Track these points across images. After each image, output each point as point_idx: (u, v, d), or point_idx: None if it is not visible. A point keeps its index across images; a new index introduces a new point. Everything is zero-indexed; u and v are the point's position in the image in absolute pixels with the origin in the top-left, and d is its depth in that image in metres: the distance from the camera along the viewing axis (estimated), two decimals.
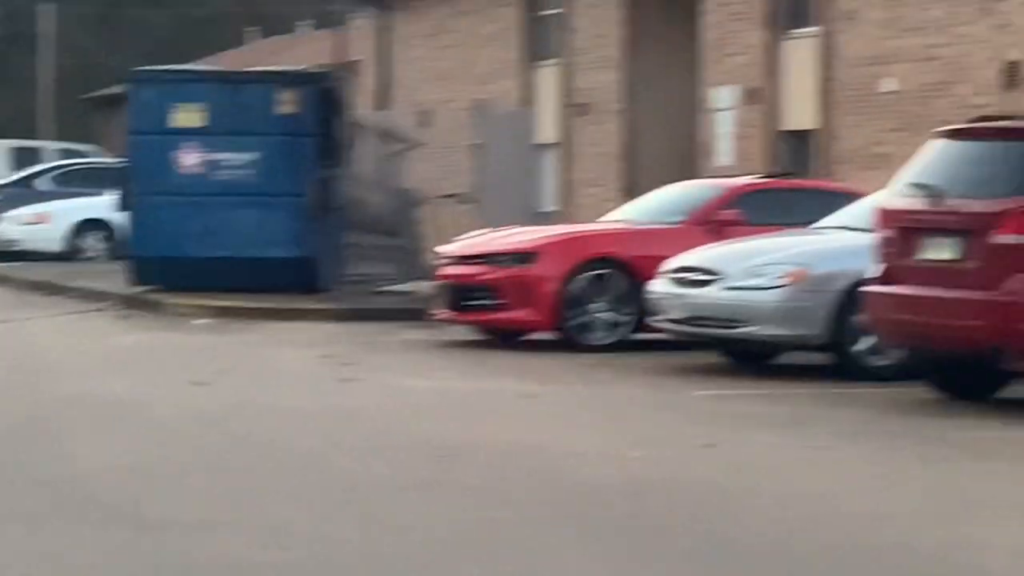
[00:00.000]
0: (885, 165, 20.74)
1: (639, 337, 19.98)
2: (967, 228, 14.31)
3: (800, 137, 31.24)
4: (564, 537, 9.62)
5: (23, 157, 49.75)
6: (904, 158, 18.27)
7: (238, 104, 25.78)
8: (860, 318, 15.93)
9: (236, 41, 74.64)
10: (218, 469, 11.68)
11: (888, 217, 15.31)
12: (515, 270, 20.49)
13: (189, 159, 25.28)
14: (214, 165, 25.26)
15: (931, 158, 15.10)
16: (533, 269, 20.30)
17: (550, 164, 37.40)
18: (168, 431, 13.41)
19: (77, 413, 14.66)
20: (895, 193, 15.49)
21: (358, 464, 12.45)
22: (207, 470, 11.46)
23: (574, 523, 10.19)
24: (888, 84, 29.07)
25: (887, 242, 15.08)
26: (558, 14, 37.93)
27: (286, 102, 25.74)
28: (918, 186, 14.82)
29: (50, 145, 55.72)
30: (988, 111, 18.97)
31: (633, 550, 9.26)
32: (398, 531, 9.74)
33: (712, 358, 18.87)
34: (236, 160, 25.49)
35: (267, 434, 13.30)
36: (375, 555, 8.87)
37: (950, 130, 15.76)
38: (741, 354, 18.38)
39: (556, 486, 11.33)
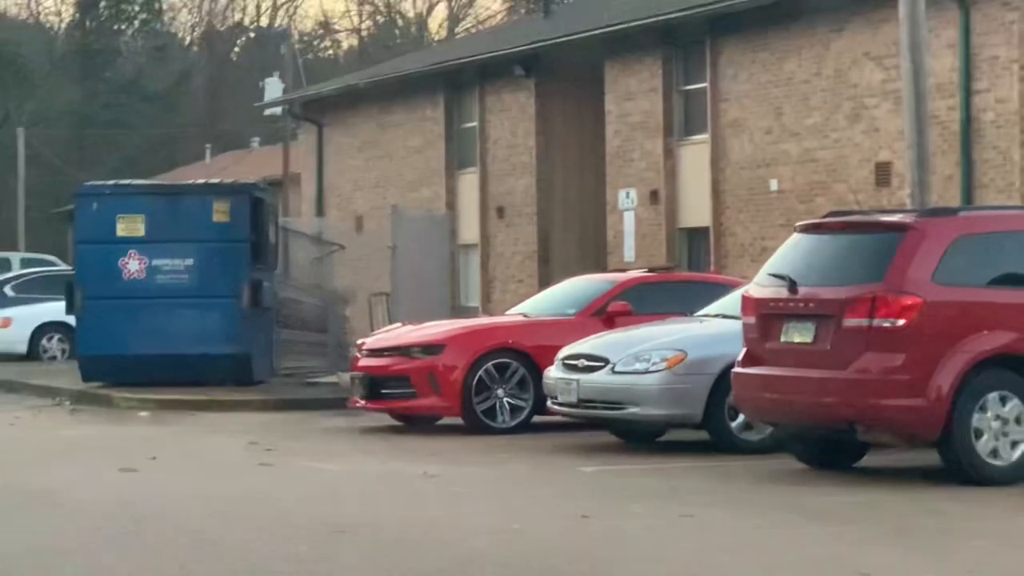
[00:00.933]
0: None
1: (540, 420, 20.49)
2: (820, 313, 14.72)
3: (697, 233, 31.90)
4: None
5: None
6: None
7: (176, 214, 26.44)
8: (731, 398, 16.28)
9: (196, 157, 76.00)
10: (124, 548, 12.03)
11: (751, 305, 15.69)
12: (424, 361, 20.80)
13: (131, 265, 25.75)
14: (155, 270, 25.72)
15: (789, 250, 15.58)
16: (440, 359, 20.63)
17: (472, 263, 39.33)
18: (87, 515, 13.54)
19: (3, 501, 14.63)
20: (757, 283, 15.81)
21: (251, 543, 12.53)
22: (115, 550, 11.78)
23: None
24: (773, 184, 30.19)
25: (750, 328, 15.44)
26: (475, 127, 39.54)
27: (220, 211, 26.06)
28: (776, 276, 15.22)
29: (15, 256, 57.32)
30: (867, 206, 21.08)
31: None
32: None
33: (605, 437, 19.24)
34: (175, 265, 25.94)
35: (176, 516, 13.48)
36: None
37: (805, 225, 16.30)
38: (628, 433, 18.60)
39: (433, 560, 11.48)
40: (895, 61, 21.87)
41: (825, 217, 16.67)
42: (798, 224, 16.42)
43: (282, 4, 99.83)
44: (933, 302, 14.05)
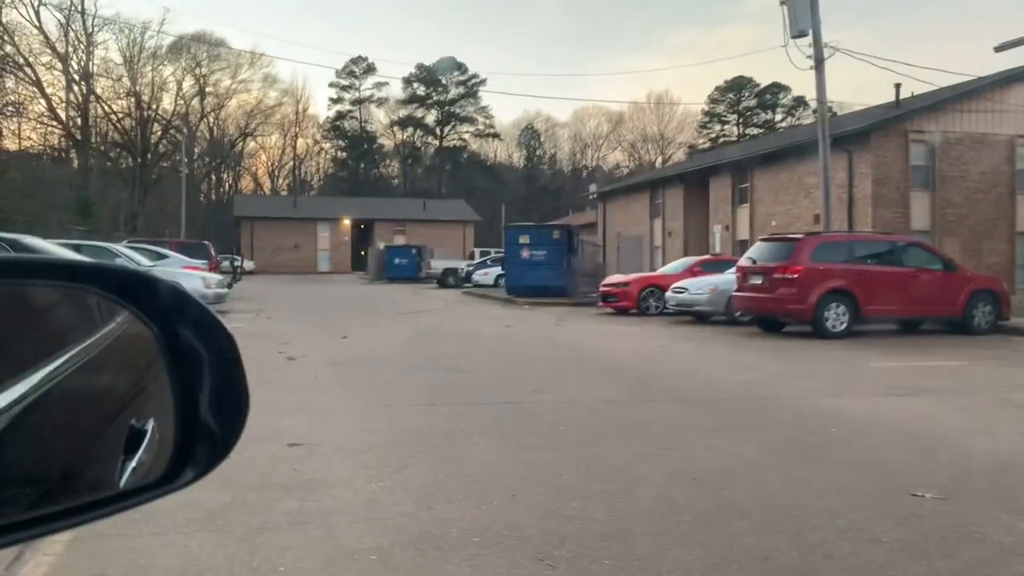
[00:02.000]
0: None
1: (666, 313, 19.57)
2: (765, 272, 15.02)
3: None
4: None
5: None
6: None
7: (543, 237, 27.23)
8: (733, 304, 16.30)
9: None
10: (502, 356, 13.87)
11: (740, 269, 16.17)
12: (622, 289, 20.44)
13: (524, 253, 26.63)
14: (532, 255, 26.34)
15: (755, 248, 16.28)
16: (628, 289, 20.19)
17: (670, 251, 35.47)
18: (489, 341, 14.09)
19: (447, 337, 16.52)
20: (742, 260, 16.35)
21: (541, 352, 14.76)
22: (498, 357, 13.19)
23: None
24: (774, 222, 28.77)
25: (739, 278, 16.03)
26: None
27: (557, 233, 27.32)
28: (749, 258, 15.89)
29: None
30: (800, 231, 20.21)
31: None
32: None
33: (688, 319, 18.18)
34: (539, 255, 26.33)
35: (523, 343, 14.06)
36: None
37: (762, 238, 17.49)
38: (699, 317, 17.92)
39: (595, 366, 15.58)
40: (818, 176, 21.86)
41: (769, 235, 17.75)
42: (760, 237, 16.42)
43: None
44: (809, 268, 14.44)
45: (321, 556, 3.43)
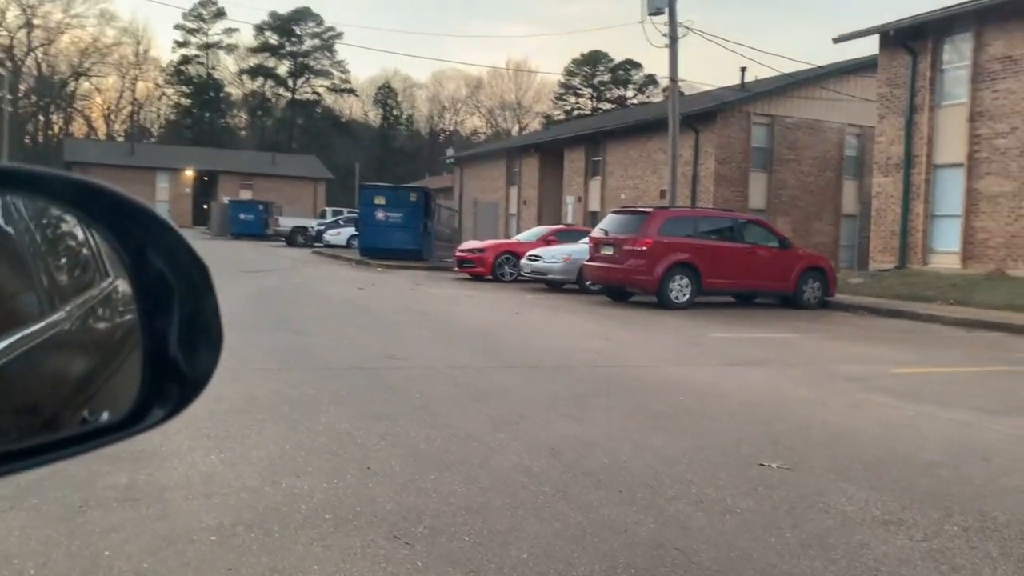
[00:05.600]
0: None
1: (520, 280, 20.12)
2: (615, 243, 15.27)
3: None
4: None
5: None
6: None
7: (399, 199, 26.67)
8: (585, 273, 16.68)
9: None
10: (354, 315, 16.28)
11: (592, 239, 16.42)
12: (478, 255, 20.52)
13: (379, 214, 25.75)
14: (388, 217, 25.65)
15: (607, 220, 16.37)
16: (483, 255, 20.50)
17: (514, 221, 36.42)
18: (337, 304, 15.94)
19: (296, 299, 17.70)
20: (594, 232, 16.59)
21: (388, 311, 16.23)
22: (351, 314, 16.16)
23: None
24: (623, 195, 29.32)
25: (591, 248, 16.23)
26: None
27: (413, 196, 26.61)
28: (602, 229, 16.03)
29: (329, 209, 57.56)
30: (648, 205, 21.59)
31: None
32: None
33: (541, 287, 18.62)
34: (396, 216, 25.79)
35: (369, 304, 16.80)
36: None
37: (614, 210, 17.52)
38: (552, 284, 18.43)
39: (451, 325, 16.34)
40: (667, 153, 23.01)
41: (620, 208, 17.64)
42: (612, 209, 16.69)
43: None
44: (656, 241, 14.77)
45: (153, 537, 3.10)
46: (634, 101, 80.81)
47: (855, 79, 27.10)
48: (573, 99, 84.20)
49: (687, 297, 14.47)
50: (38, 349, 0.81)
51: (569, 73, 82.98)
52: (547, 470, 4.17)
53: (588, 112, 79.77)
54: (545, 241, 19.53)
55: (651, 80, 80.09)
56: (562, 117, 79.92)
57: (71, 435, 0.79)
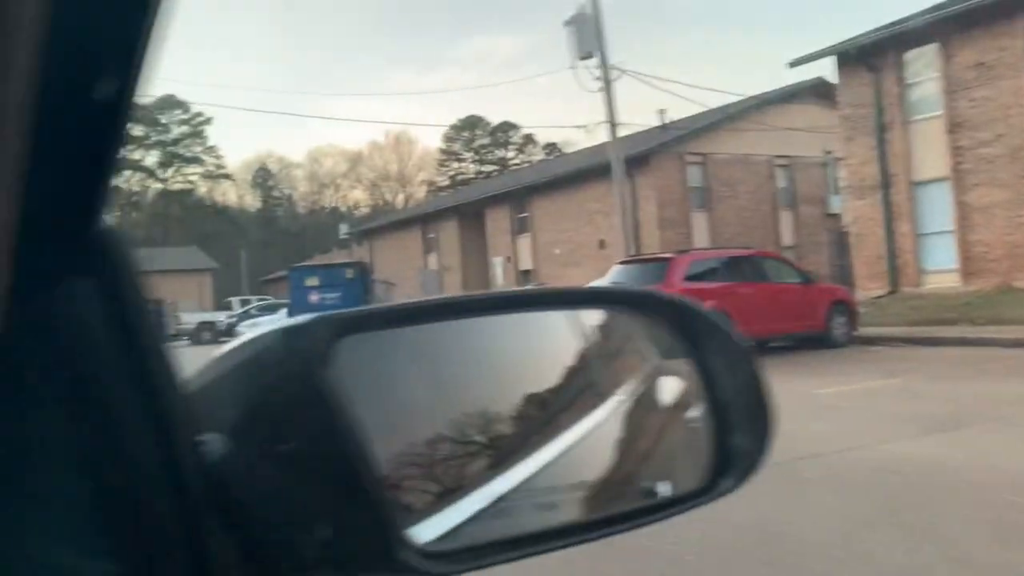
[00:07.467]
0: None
1: None
2: None
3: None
4: None
5: None
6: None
7: (334, 277, 25.21)
8: None
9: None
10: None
11: None
12: None
13: (313, 296, 24.11)
14: (324, 299, 23.35)
15: (616, 272, 14.63)
16: None
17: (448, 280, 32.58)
18: None
19: None
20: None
21: None
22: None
23: None
24: (557, 250, 27.62)
25: None
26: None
27: (350, 272, 25.25)
28: (613, 283, 14.05)
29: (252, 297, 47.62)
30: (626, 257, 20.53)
31: None
32: None
33: None
34: (334, 297, 23.78)
35: None
36: None
37: (621, 261, 15.73)
38: None
39: None
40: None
41: (628, 258, 16.17)
42: (618, 261, 15.71)
43: None
44: (683, 289, 13.07)
45: None
46: (516, 162, 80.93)
47: (774, 110, 26.69)
48: (456, 164, 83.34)
49: None
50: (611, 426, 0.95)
51: (448, 139, 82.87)
52: None
53: (472, 176, 79.14)
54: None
55: (529, 139, 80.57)
56: (447, 183, 79.33)
57: (660, 502, 0.87)
